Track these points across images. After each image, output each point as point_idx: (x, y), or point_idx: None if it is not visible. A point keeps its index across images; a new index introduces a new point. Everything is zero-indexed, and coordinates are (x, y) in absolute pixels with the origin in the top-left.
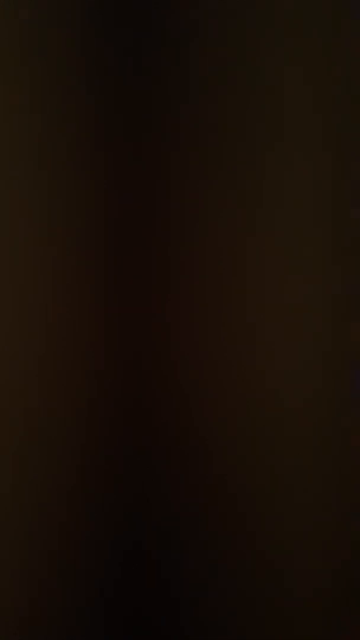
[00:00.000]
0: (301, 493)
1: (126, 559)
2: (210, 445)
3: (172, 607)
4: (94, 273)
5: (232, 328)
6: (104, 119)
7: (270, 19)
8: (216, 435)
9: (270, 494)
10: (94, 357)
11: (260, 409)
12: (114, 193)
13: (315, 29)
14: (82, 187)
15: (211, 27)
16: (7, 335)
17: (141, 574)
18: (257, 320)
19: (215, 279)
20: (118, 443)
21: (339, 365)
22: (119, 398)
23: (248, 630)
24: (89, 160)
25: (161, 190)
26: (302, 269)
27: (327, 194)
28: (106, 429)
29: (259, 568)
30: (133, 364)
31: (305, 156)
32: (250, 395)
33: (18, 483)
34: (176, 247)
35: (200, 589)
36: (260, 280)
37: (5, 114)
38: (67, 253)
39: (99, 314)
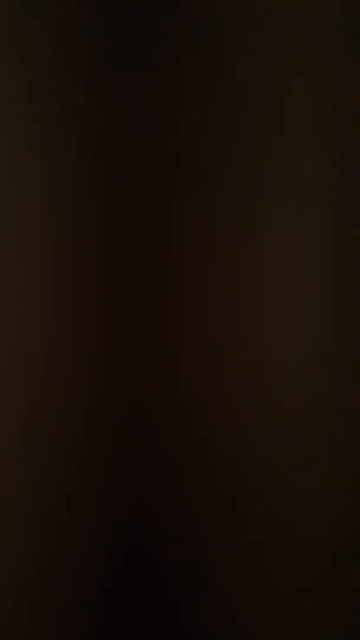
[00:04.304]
0: (301, 493)
1: (126, 559)
2: (211, 446)
3: (172, 607)
4: (95, 275)
5: (233, 329)
6: (104, 121)
7: (271, 25)
8: (216, 435)
9: (270, 493)
10: (94, 358)
11: (260, 409)
12: (114, 195)
13: (315, 34)
14: (82, 189)
15: (211, 33)
16: (8, 337)
17: (141, 574)
18: (257, 321)
19: (215, 280)
20: (118, 443)
21: (339, 365)
22: (120, 398)
23: (248, 630)
24: (89, 162)
25: (162, 192)
26: (302, 271)
27: (327, 196)
28: (106, 429)
29: (259, 568)
30: (134, 365)
31: (305, 159)
32: (250, 396)
33: (18, 483)
34: (177, 246)
35: (200, 589)
36: (260, 281)
37: (6, 116)
38: (68, 256)
39: (100, 314)
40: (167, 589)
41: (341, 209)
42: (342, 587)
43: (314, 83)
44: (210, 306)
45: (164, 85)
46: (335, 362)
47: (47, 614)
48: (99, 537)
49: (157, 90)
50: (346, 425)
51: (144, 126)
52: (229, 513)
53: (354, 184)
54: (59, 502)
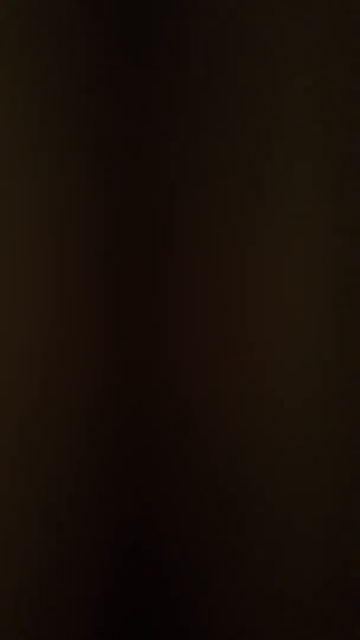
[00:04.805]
0: (301, 493)
1: (126, 559)
2: (211, 446)
3: (172, 607)
4: (95, 275)
5: (233, 329)
6: (105, 121)
7: (271, 25)
8: (216, 435)
9: (270, 493)
10: (94, 358)
11: (260, 409)
12: (114, 195)
13: (316, 32)
14: (82, 189)
15: (211, 33)
16: (8, 337)
17: (141, 574)
18: (257, 321)
19: (215, 280)
20: (118, 443)
21: (339, 365)
22: (120, 398)
23: (248, 630)
24: (89, 162)
25: (162, 192)
26: (302, 272)
27: (327, 196)
28: (106, 429)
29: (259, 568)
30: (134, 365)
31: (305, 159)
32: (250, 396)
33: (19, 483)
34: (177, 246)
35: (200, 589)
36: (260, 282)
37: (6, 115)
38: (68, 256)
39: (100, 314)
40: (167, 589)
41: (341, 208)
42: (342, 587)
43: (314, 83)
44: (211, 306)
45: (164, 85)
46: (335, 362)
47: (47, 614)
48: (99, 537)
49: (157, 90)
50: (346, 425)
51: (144, 126)
52: (229, 513)
53: (354, 183)
54: (59, 502)
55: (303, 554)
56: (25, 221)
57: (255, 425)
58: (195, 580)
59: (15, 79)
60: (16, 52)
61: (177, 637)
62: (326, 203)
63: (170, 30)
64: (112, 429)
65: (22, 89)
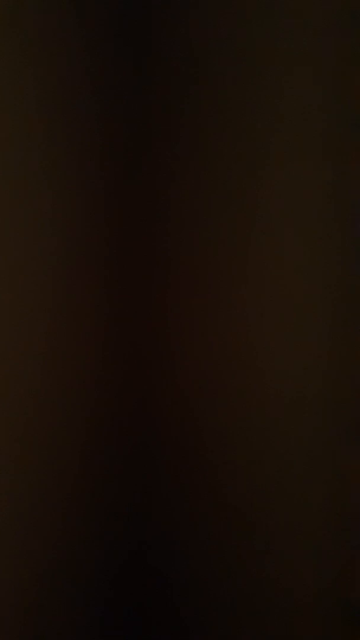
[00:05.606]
0: (301, 493)
1: (126, 560)
2: (211, 446)
3: (172, 607)
4: (95, 275)
5: (233, 328)
6: (104, 122)
7: (271, 20)
8: (217, 435)
9: (271, 494)
10: (95, 358)
11: (260, 409)
12: (114, 196)
13: (319, 31)
14: (82, 191)
15: (211, 31)
16: (8, 334)
17: (141, 575)
18: (257, 321)
19: (215, 280)
20: (118, 443)
21: (339, 365)
22: (120, 398)
23: (248, 630)
24: (89, 163)
25: (161, 193)
26: (302, 272)
27: (327, 196)
28: (106, 429)
29: (259, 568)
30: (134, 364)
31: (305, 157)
32: (250, 396)
33: (19, 483)
34: (177, 247)
35: (200, 589)
36: (260, 281)
37: (5, 117)
38: (68, 257)
39: (100, 312)
40: (167, 589)
41: (341, 208)
42: (342, 587)
43: (314, 82)
44: (211, 306)
45: (163, 85)
46: (335, 362)
47: (47, 614)
48: (99, 537)
49: (157, 90)
50: (346, 425)
51: (144, 127)
52: (229, 513)
53: (354, 183)
54: (59, 502)
55: (303, 554)
56: (25, 221)
57: (255, 425)
58: (195, 580)
59: (15, 79)
60: (16, 52)
61: (177, 637)
62: (326, 203)
63: (170, 30)
64: (112, 429)
65: (22, 89)
